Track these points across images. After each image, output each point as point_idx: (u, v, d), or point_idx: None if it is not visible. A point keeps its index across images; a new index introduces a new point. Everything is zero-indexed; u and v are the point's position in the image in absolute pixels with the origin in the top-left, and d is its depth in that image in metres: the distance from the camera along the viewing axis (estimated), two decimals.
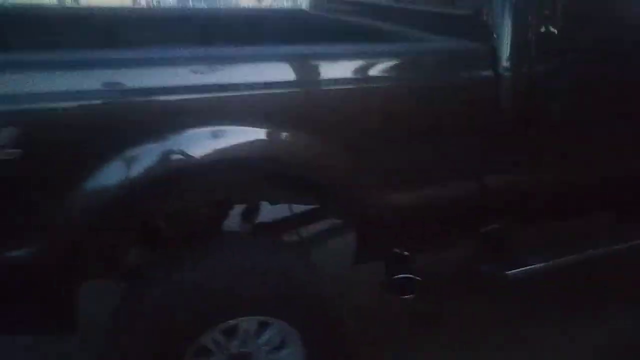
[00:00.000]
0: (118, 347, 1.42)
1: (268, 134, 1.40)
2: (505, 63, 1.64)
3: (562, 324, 2.26)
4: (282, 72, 1.45)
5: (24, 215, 1.22)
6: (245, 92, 1.37)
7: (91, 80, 1.22)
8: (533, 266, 1.93)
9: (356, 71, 1.54)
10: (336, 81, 1.49)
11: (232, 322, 1.53)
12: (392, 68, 1.60)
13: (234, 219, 1.93)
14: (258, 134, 1.39)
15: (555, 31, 1.68)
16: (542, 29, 1.68)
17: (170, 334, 1.43)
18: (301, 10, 3.08)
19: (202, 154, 1.32)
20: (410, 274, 1.81)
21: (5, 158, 1.12)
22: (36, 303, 1.31)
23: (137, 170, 1.28)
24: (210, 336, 1.52)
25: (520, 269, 1.92)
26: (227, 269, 1.51)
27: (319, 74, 1.49)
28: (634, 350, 2.17)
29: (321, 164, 1.49)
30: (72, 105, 1.19)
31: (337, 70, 1.53)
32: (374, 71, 1.55)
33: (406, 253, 1.86)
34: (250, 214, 2.12)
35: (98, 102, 1.22)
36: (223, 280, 1.49)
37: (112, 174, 1.25)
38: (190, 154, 1.29)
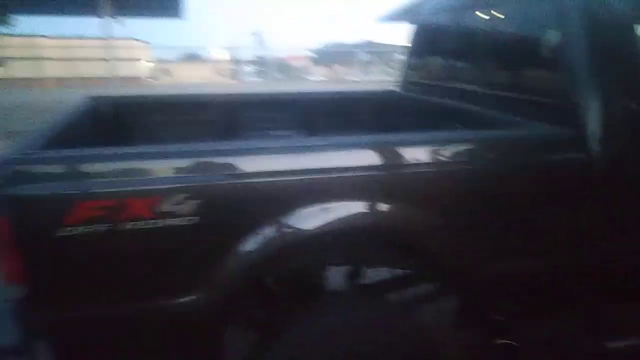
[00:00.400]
0: None
1: (373, 208, 1.64)
2: (595, 147, 1.77)
3: None
4: (384, 157, 1.68)
5: (193, 269, 1.54)
6: (356, 174, 1.63)
7: (245, 165, 1.55)
8: (634, 341, 1.95)
9: (460, 154, 1.75)
10: (442, 164, 1.71)
11: None
12: (492, 152, 1.80)
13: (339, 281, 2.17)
14: (366, 207, 1.63)
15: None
16: (630, 114, 1.80)
17: None
18: (393, 92, 3.37)
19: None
20: (511, 340, 1.91)
21: (187, 223, 1.46)
22: (193, 345, 1.61)
23: (270, 237, 1.57)
24: None
25: (621, 342, 1.95)
26: (338, 326, 1.74)
27: (424, 157, 1.71)
28: None
29: (425, 234, 1.70)
30: (230, 183, 1.52)
31: (442, 154, 1.72)
32: (476, 155, 1.77)
33: (502, 319, 1.98)
34: (353, 276, 2.35)
35: (249, 182, 1.54)
36: (336, 336, 1.71)
37: (254, 240, 1.55)
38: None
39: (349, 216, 1.62)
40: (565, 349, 2.21)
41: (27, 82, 21.13)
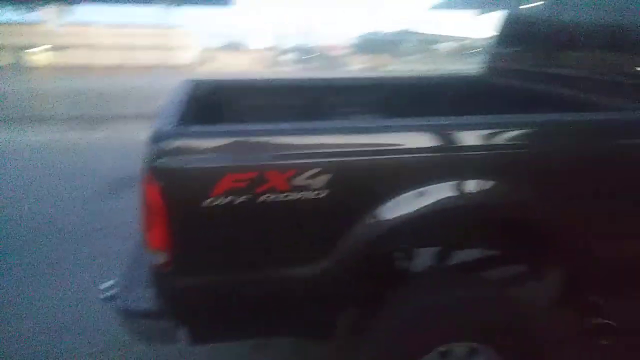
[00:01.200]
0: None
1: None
2: None
3: None
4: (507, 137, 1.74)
5: (322, 239, 1.65)
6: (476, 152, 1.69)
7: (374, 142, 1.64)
8: None
9: (576, 137, 1.80)
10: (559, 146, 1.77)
11: (446, 347, 1.81)
12: (602, 133, 1.84)
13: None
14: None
15: None
16: None
17: (400, 354, 1.76)
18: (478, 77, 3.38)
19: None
20: (609, 320, 1.94)
21: (317, 197, 1.57)
22: (315, 311, 1.72)
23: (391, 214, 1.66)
24: (430, 358, 1.81)
25: None
26: (443, 301, 1.82)
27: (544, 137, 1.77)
28: None
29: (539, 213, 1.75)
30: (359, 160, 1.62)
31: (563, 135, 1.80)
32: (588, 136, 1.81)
33: (601, 301, 2.00)
34: (445, 256, 2.42)
35: (375, 158, 1.63)
36: (440, 310, 1.80)
37: (382, 214, 1.64)
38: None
39: (466, 194, 1.68)
40: None
41: (83, 69, 22.03)
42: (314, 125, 1.67)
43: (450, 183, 1.67)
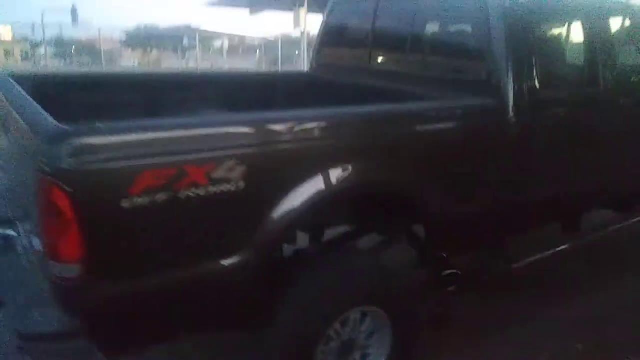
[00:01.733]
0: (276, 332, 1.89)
1: None
2: (510, 111, 2.36)
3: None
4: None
5: (242, 230, 1.68)
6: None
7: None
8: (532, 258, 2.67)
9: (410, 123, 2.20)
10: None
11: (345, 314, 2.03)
12: (436, 118, 2.27)
13: None
14: None
15: (533, 88, 2.45)
16: (529, 87, 2.43)
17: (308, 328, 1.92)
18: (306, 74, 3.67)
19: None
20: (455, 270, 2.43)
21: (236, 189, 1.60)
22: (241, 302, 1.74)
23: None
24: (334, 327, 2.01)
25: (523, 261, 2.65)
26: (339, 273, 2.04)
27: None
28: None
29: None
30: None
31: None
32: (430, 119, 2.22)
33: (444, 255, 2.49)
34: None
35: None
36: (340, 281, 2.01)
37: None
38: None
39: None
40: (488, 273, 2.85)
41: None
42: (227, 117, 1.68)
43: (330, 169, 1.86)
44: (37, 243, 1.59)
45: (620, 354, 2.65)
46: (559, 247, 2.83)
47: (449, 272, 2.45)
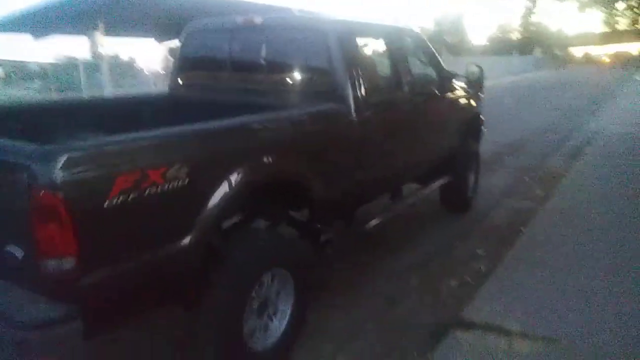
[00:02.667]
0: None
1: None
2: (353, 113, 3.20)
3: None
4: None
5: (188, 218, 2.11)
6: None
7: None
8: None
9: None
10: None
11: (261, 278, 2.59)
12: (301, 122, 2.96)
13: None
14: None
15: (365, 94, 3.33)
16: (362, 94, 3.30)
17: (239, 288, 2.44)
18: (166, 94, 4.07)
19: None
20: (331, 237, 3.16)
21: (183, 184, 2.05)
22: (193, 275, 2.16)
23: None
24: (254, 289, 2.56)
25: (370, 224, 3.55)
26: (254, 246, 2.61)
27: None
28: None
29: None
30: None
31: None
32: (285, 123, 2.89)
33: (319, 226, 3.21)
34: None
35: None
36: (255, 251, 2.58)
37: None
38: None
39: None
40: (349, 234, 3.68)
41: None
42: (178, 130, 2.12)
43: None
44: (16, 251, 1.79)
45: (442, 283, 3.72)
46: (390, 211, 3.83)
47: (325, 238, 3.17)
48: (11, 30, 23.55)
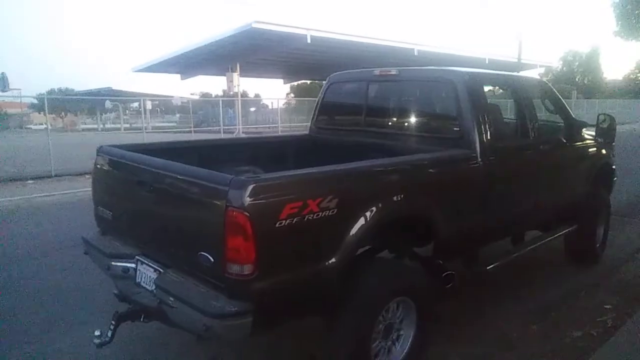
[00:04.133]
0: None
1: None
2: (479, 158, 3.43)
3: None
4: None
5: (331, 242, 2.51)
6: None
7: None
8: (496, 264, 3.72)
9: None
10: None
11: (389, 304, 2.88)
12: (431, 165, 3.26)
13: None
14: None
15: (490, 140, 3.54)
16: (488, 139, 3.52)
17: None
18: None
19: None
20: (453, 273, 3.36)
21: (331, 214, 2.45)
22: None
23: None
24: (382, 314, 2.85)
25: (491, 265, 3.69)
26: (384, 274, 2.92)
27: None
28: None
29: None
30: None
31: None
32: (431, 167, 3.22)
33: (441, 261, 3.43)
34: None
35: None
36: (385, 279, 2.89)
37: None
38: None
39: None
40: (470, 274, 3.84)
41: None
42: (330, 169, 2.62)
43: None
44: (208, 257, 2.32)
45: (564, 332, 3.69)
46: (511, 254, 3.94)
47: (446, 273, 3.38)
48: (163, 71, 27.12)
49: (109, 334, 2.67)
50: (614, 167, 5.35)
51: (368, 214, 2.65)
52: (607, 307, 3.99)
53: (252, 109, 32.22)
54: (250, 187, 2.18)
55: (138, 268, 2.89)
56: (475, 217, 3.45)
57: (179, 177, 2.57)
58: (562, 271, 5.05)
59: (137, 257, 2.91)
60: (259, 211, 2.19)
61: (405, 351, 3.02)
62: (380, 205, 2.72)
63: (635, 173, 10.30)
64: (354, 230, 2.58)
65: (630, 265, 5.05)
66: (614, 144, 5.34)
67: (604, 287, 4.49)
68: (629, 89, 55.21)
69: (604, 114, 4.73)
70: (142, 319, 2.74)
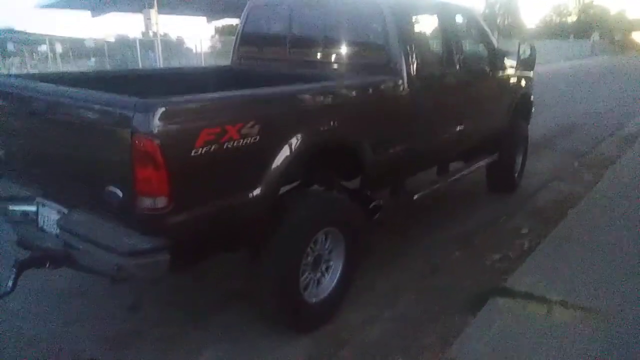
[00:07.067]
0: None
1: None
2: (405, 84, 3.35)
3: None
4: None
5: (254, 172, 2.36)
6: None
7: None
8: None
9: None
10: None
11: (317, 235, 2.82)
12: (355, 91, 3.14)
13: None
14: None
15: (417, 68, 3.47)
16: (414, 68, 3.44)
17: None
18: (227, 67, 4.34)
19: None
20: (379, 203, 3.35)
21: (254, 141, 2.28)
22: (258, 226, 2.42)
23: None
24: (310, 246, 2.79)
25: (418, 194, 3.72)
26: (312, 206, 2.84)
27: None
28: None
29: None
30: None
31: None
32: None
33: (368, 193, 3.40)
34: None
35: None
36: (313, 211, 2.80)
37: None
38: None
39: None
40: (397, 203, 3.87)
41: None
42: (251, 92, 2.41)
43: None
44: (116, 191, 2.09)
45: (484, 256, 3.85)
46: (436, 184, 4.02)
47: (373, 204, 3.36)
48: (71, 7, 24.68)
49: (10, 283, 2.40)
50: (532, 98, 5.52)
51: (293, 141, 2.51)
52: (524, 231, 4.19)
53: (179, 53, 30.27)
54: (160, 111, 1.95)
55: (39, 211, 2.60)
56: (401, 146, 3.41)
57: (76, 103, 2.26)
58: (483, 200, 5.27)
59: (37, 199, 2.61)
60: (170, 138, 1.98)
61: (335, 282, 3.00)
62: (305, 132, 2.58)
63: (552, 108, 10.86)
64: (279, 160, 2.44)
65: (544, 192, 5.33)
66: (532, 74, 5.48)
67: (521, 214, 4.71)
68: (547, 32, 57.76)
69: (525, 43, 4.79)
70: (47, 266, 2.49)
